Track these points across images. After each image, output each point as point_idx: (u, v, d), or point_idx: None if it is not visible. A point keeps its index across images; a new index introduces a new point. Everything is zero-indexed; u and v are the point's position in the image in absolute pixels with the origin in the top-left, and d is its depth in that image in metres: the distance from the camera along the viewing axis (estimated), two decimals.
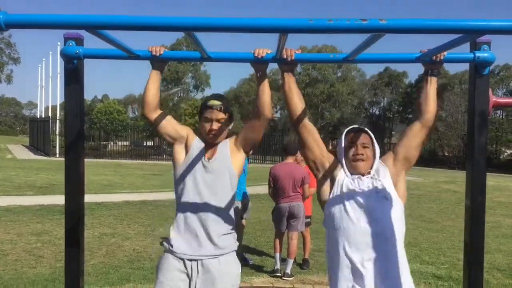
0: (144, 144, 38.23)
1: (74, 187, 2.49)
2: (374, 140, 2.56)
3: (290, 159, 6.23)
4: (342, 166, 2.51)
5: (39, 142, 33.73)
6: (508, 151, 54.06)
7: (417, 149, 2.50)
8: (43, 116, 37.90)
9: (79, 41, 2.42)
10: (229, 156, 2.70)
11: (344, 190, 2.43)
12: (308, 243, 6.61)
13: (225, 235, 2.68)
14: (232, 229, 2.75)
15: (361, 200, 2.39)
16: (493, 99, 2.47)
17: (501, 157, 53.04)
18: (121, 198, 12.35)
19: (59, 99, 34.79)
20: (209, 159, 2.69)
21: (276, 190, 6.15)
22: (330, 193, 2.50)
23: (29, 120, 54.30)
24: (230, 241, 2.72)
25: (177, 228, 2.69)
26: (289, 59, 2.37)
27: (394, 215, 2.38)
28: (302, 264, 6.53)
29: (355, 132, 2.55)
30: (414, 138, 2.48)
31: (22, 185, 14.29)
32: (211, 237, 2.63)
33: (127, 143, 36.93)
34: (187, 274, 2.65)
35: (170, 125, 2.70)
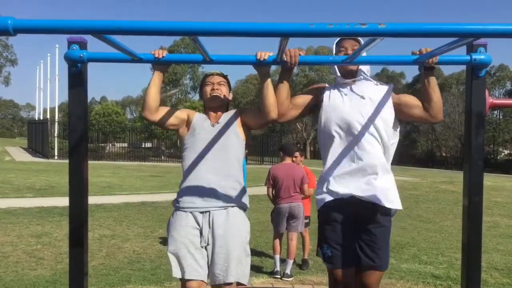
0: (143, 146, 38.24)
1: (78, 189, 2.52)
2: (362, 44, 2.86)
3: (288, 160, 6.27)
4: (337, 72, 2.82)
5: (38, 144, 33.72)
6: (505, 151, 54.21)
7: (410, 114, 2.75)
8: (41, 118, 37.88)
9: (83, 45, 2.46)
10: (235, 122, 2.83)
11: (332, 97, 2.78)
12: (307, 244, 6.65)
13: (233, 189, 2.78)
14: (241, 187, 2.83)
15: (349, 92, 2.76)
16: (490, 100, 2.51)
17: (498, 157, 53.19)
18: (121, 199, 12.39)
19: (58, 101, 34.78)
20: (214, 122, 2.83)
21: (276, 190, 6.18)
22: (321, 109, 2.81)
23: (27, 122, 54.24)
24: (239, 196, 2.80)
25: (184, 185, 2.78)
26: (293, 61, 2.44)
27: (381, 115, 2.69)
28: (302, 265, 6.56)
29: (344, 39, 2.83)
30: (416, 109, 2.74)
31: (21, 187, 14.31)
32: (219, 190, 2.73)
33: (126, 144, 36.95)
34: (199, 230, 2.74)
35: (171, 117, 2.79)
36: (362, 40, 2.80)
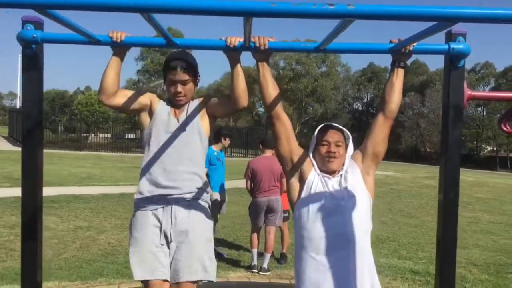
0: (126, 137, 37.81)
1: (32, 179, 2.36)
2: (348, 137, 2.53)
3: (268, 153, 6.15)
4: (313, 164, 2.46)
5: (18, 133, 33.16)
6: (488, 148, 54.82)
7: (383, 142, 2.46)
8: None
9: (38, 25, 2.30)
10: (198, 116, 2.68)
11: (313, 191, 2.39)
12: (286, 238, 6.55)
13: (194, 182, 2.65)
14: (203, 182, 2.70)
15: (329, 201, 2.35)
16: (468, 92, 2.41)
17: (481, 154, 53.76)
18: (99, 190, 12.15)
19: None
20: (177, 118, 2.67)
21: (255, 184, 6.07)
22: (299, 193, 2.45)
23: (8, 111, 53.39)
24: (201, 190, 2.67)
25: (143, 182, 2.64)
26: (262, 48, 2.31)
27: (361, 215, 2.36)
28: (280, 259, 6.47)
29: (328, 130, 2.49)
30: (379, 131, 2.44)
31: None
32: (179, 183, 2.60)
33: (109, 135, 36.47)
34: (160, 228, 2.61)
35: (131, 102, 2.64)
36: (348, 134, 2.52)
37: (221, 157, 6.58)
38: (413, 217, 10.88)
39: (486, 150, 55.22)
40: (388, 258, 6.88)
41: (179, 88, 2.62)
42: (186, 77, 2.62)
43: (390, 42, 2.34)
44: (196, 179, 2.66)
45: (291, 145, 2.47)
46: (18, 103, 41.66)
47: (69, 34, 2.19)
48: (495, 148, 52.24)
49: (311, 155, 2.50)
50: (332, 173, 2.42)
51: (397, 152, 51.36)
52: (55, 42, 2.30)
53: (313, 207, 2.35)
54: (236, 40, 2.31)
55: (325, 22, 2.00)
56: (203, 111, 2.70)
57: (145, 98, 2.69)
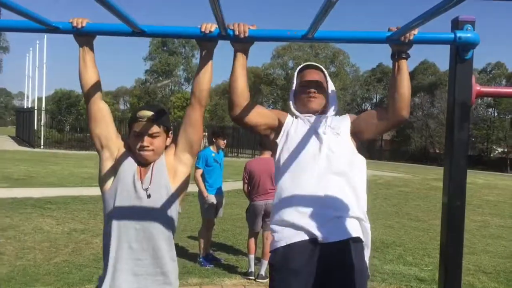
0: None
1: None
2: (328, 78, 2.48)
3: (266, 154, 5.88)
4: (292, 105, 2.48)
5: (25, 133, 33.22)
6: (499, 149, 54.06)
7: (372, 128, 2.35)
8: (29, 106, 37.38)
9: None
10: (167, 176, 2.22)
11: (293, 131, 2.37)
12: None
13: (162, 282, 2.21)
14: (173, 266, 2.26)
15: (311, 134, 2.33)
16: (477, 87, 2.12)
17: (491, 155, 53.03)
18: (99, 192, 11.87)
19: (45, 89, 34.16)
20: (141, 180, 2.19)
21: (252, 186, 5.81)
22: (282, 140, 2.41)
23: (15, 111, 53.67)
24: (171, 279, 2.24)
25: (106, 272, 2.18)
26: (241, 35, 2.04)
27: (347, 150, 2.32)
28: None
29: (307, 70, 2.44)
30: (374, 119, 2.34)
31: None
32: (147, 275, 2.18)
33: None
34: None
35: (105, 124, 2.23)
36: (327, 74, 2.49)
37: (219, 158, 6.33)
38: (421, 221, 10.55)
39: (496, 152, 54.45)
40: (392, 264, 6.59)
41: (146, 141, 2.17)
42: (155, 129, 2.19)
43: (389, 30, 2.07)
44: (164, 273, 2.21)
45: (270, 116, 2.43)
46: (25, 104, 41.70)
47: (25, 22, 1.93)
48: (505, 150, 51.46)
49: (291, 101, 2.49)
50: (314, 112, 2.41)
51: (407, 153, 50.85)
52: (8, 30, 2.04)
53: (299, 143, 2.33)
54: (212, 26, 2.04)
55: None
56: (174, 161, 2.26)
57: (119, 139, 2.28)
